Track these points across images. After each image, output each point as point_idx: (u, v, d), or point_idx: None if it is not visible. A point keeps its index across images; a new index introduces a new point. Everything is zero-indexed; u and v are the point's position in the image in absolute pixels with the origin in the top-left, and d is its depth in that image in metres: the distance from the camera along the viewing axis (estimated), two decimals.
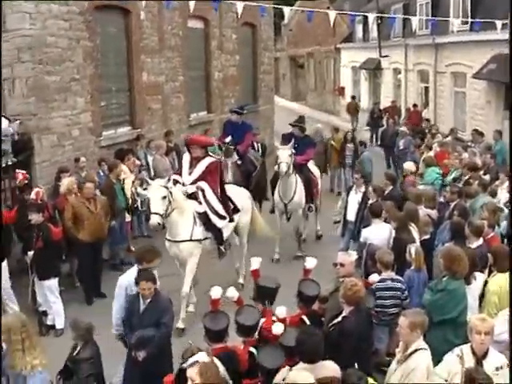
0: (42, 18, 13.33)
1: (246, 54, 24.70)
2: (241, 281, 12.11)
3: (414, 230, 9.91)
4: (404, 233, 9.76)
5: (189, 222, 10.64)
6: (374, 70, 34.25)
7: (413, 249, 9.02)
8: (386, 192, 11.97)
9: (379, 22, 27.88)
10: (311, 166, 14.83)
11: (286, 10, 16.52)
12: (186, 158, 11.49)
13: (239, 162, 15.00)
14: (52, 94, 13.75)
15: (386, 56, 31.51)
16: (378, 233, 10.28)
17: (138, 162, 14.83)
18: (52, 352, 8.93)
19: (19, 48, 13.02)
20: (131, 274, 8.30)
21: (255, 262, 8.34)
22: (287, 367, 6.28)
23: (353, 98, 33.88)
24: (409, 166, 14.73)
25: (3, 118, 12.58)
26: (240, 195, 12.18)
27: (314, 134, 18.64)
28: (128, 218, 13.91)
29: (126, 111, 16.96)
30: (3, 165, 12.45)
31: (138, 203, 13.89)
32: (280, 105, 38.52)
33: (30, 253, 10.30)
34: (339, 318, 7.19)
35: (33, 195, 11.43)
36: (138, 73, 17.11)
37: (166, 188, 10.04)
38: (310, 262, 8.45)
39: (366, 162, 17.13)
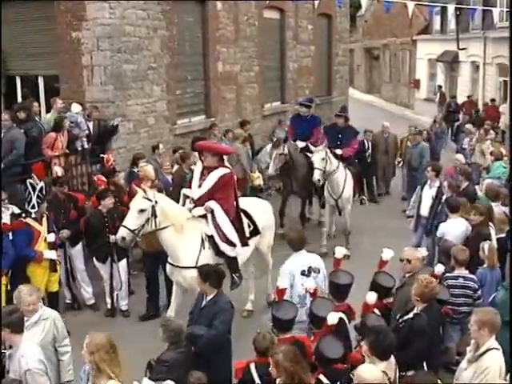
0: (121, 7, 13.58)
1: (321, 44, 24.52)
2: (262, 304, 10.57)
3: (490, 228, 9.70)
4: (484, 229, 9.54)
5: (194, 245, 8.99)
6: (451, 62, 33.60)
7: (486, 246, 8.82)
8: (462, 188, 11.73)
9: (458, 13, 27.29)
10: None
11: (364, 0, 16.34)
12: (198, 167, 9.66)
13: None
14: (129, 82, 14.01)
15: (464, 48, 30.89)
16: (456, 228, 10.07)
17: None
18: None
19: (98, 37, 13.33)
20: (294, 259, 8.42)
21: (339, 252, 8.29)
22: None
23: (439, 87, 33.21)
24: (459, 157, 14.38)
25: (76, 104, 12.95)
26: (262, 210, 10.49)
27: (380, 131, 18.33)
28: None
29: (200, 100, 17.08)
30: (79, 148, 12.84)
31: None
32: (354, 97, 38.18)
33: (113, 236, 10.38)
34: (410, 315, 7.11)
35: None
36: (214, 62, 17.22)
37: (149, 200, 8.60)
38: (387, 254, 8.37)
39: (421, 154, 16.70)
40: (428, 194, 12.04)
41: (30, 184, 10.22)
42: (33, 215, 9.85)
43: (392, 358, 6.10)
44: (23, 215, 9.86)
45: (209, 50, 16.98)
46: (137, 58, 14.14)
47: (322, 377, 6.21)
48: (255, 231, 10.00)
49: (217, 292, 7.56)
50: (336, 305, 7.48)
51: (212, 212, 9.12)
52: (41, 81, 14.51)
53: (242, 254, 9.59)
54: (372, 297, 7.29)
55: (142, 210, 8.52)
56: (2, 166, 11.44)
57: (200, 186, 9.29)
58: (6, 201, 10.16)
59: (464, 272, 8.59)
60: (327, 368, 6.28)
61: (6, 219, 9.76)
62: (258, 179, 15.19)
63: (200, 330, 7.29)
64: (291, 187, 14.27)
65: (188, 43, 16.34)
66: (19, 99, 14.58)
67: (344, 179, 13.34)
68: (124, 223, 8.58)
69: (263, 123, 19.40)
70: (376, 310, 7.50)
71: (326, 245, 13.19)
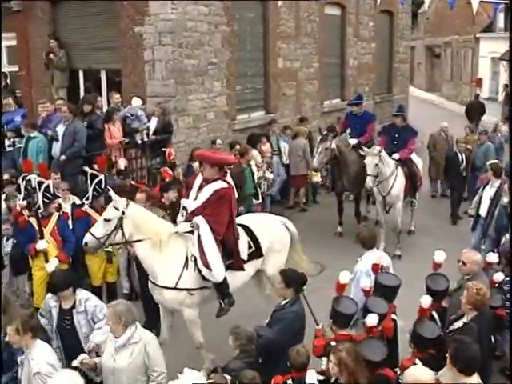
0: (183, 3, 13.70)
1: (382, 42, 24.28)
2: None
3: None
4: None
5: (176, 264, 8.15)
6: None
7: None
8: None
9: None
10: (414, 156, 14.26)
11: None
12: (199, 178, 8.69)
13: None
14: (190, 77, 14.13)
15: None
16: None
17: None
18: None
19: (161, 32, 13.50)
20: (368, 258, 8.28)
21: (377, 257, 8.22)
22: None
23: (506, 86, 32.47)
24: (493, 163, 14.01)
25: (136, 98, 13.12)
26: (271, 228, 9.21)
27: (438, 132, 17.97)
28: (255, 201, 13.91)
29: (260, 96, 17.13)
30: (139, 142, 13.01)
31: (265, 187, 14.05)
32: (414, 95, 37.70)
33: None
34: (460, 323, 6.87)
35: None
36: (274, 58, 17.23)
37: (117, 209, 7.89)
38: (439, 256, 8.22)
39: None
40: (487, 193, 11.81)
41: (90, 175, 10.39)
42: (85, 206, 9.97)
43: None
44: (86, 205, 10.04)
45: (269, 46, 17.01)
46: (198, 54, 14.25)
47: None
48: (257, 253, 8.88)
49: (291, 298, 7.37)
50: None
51: (198, 229, 8.13)
52: (103, 74, 14.79)
53: (234, 278, 8.49)
54: (427, 301, 7.13)
55: (106, 220, 7.94)
56: (65, 157, 11.69)
57: (196, 199, 8.41)
58: (68, 191, 10.39)
59: None
60: (371, 372, 6.08)
61: (68, 209, 9.99)
62: (315, 176, 15.16)
63: (262, 330, 7.10)
64: (342, 184, 14.17)
65: (249, 39, 16.41)
66: (82, 92, 14.87)
67: (394, 177, 13.15)
68: (91, 229, 8.08)
69: (322, 120, 19.30)
70: (434, 313, 7.39)
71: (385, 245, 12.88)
